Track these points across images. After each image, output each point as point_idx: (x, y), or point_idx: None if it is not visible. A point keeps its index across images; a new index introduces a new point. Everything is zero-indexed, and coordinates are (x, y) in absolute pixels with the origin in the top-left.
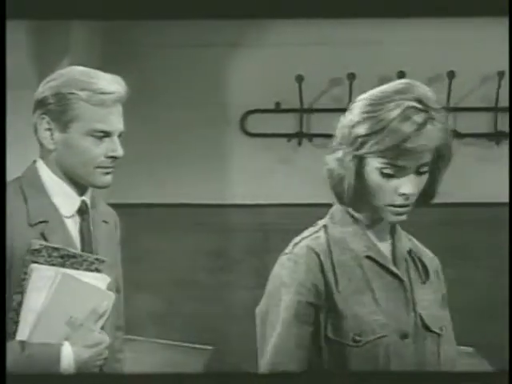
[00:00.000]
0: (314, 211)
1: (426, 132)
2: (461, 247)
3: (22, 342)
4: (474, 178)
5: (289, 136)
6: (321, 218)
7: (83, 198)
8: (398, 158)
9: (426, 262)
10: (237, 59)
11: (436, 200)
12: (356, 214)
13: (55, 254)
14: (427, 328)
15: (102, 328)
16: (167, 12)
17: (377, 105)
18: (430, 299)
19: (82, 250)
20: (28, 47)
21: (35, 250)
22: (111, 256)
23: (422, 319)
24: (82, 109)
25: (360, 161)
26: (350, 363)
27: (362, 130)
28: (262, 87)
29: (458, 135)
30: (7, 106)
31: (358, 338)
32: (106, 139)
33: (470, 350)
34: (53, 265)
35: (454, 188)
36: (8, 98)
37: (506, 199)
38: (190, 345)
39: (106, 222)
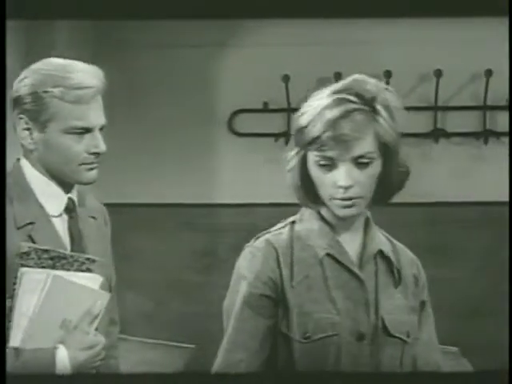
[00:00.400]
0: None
1: (351, 122)
2: (448, 247)
3: (16, 349)
4: (463, 177)
5: (276, 136)
6: None
7: (70, 195)
8: (326, 148)
9: (402, 266)
10: (224, 59)
11: (427, 199)
12: (323, 212)
13: (45, 255)
14: (387, 332)
15: (97, 329)
16: (156, 12)
17: (320, 98)
18: (398, 304)
19: (72, 250)
20: (17, 46)
21: (24, 253)
22: (103, 252)
23: (383, 323)
24: (57, 107)
25: (304, 157)
26: (299, 360)
27: (302, 121)
28: (249, 87)
29: (445, 134)
30: None
31: (306, 335)
32: (87, 135)
33: (455, 349)
34: (43, 267)
35: (444, 187)
36: None
37: (497, 198)
38: (175, 344)
39: (93, 217)
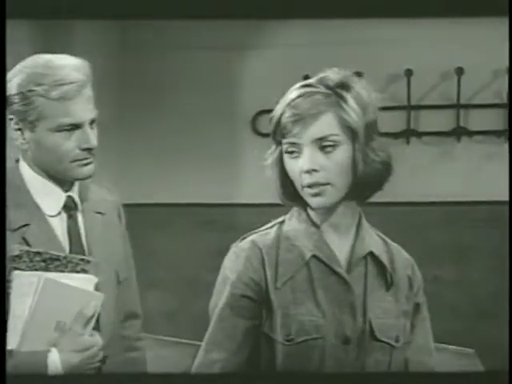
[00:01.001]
0: None
1: (308, 101)
2: (473, 246)
3: (10, 352)
4: (485, 176)
5: None
6: None
7: (69, 193)
8: (286, 131)
9: (395, 267)
10: (247, 60)
11: (450, 198)
12: (310, 212)
13: (37, 258)
14: (374, 337)
15: (98, 328)
16: (177, 12)
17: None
18: (388, 307)
19: (71, 249)
20: (34, 47)
21: (16, 255)
22: (109, 249)
23: (370, 327)
24: (43, 106)
25: (280, 153)
26: (282, 362)
27: (272, 113)
28: (272, 87)
29: (467, 133)
30: None
31: (289, 337)
32: (77, 131)
33: (471, 351)
34: (36, 269)
35: (465, 186)
36: None
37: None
38: (190, 342)
39: (101, 213)
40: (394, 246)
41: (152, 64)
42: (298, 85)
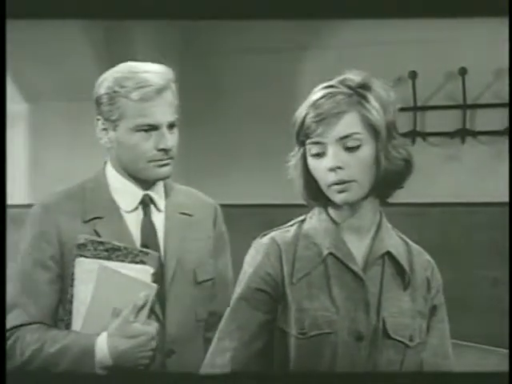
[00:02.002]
0: None
1: (331, 101)
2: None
3: (70, 332)
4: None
5: None
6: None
7: (147, 192)
8: (310, 131)
9: (414, 268)
10: (307, 61)
11: (493, 199)
12: (331, 211)
13: (100, 247)
14: (387, 335)
15: (163, 322)
16: (237, 13)
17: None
18: (403, 307)
19: (143, 244)
20: (103, 49)
21: (81, 244)
22: (188, 249)
23: (384, 325)
24: (124, 106)
25: (303, 154)
26: (295, 356)
27: (295, 115)
28: None
29: None
30: None
31: (302, 331)
32: (154, 132)
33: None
34: (99, 258)
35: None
36: None
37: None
38: None
39: (187, 214)
40: (415, 247)
41: (215, 66)
42: (319, 86)
